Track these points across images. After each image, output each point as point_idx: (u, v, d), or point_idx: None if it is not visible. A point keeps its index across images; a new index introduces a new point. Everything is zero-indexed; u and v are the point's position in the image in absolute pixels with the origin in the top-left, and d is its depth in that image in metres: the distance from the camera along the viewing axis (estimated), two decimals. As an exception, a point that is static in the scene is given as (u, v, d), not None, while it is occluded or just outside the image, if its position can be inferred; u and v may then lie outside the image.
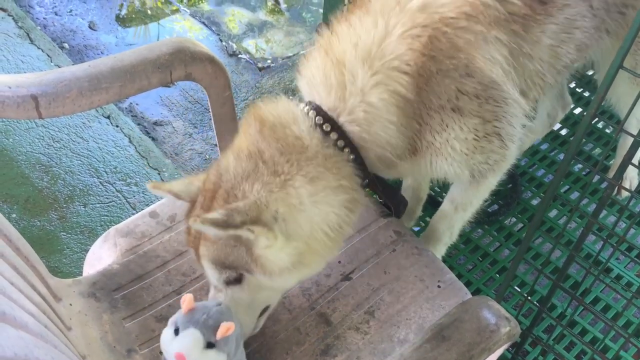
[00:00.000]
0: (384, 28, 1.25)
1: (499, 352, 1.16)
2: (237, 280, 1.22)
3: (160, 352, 1.18)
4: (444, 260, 1.81)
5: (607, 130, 2.30)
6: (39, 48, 2.83)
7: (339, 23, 1.32)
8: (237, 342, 1.15)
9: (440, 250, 1.76)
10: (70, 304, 1.29)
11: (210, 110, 1.55)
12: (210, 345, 1.11)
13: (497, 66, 1.30)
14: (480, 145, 1.37)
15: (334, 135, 1.25)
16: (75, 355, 1.09)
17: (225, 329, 1.09)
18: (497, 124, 1.35)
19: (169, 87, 2.89)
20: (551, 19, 1.35)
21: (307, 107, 1.28)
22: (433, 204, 2.02)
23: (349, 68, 1.25)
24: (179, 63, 1.39)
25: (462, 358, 0.95)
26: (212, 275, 1.24)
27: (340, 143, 1.26)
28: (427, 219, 2.01)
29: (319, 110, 1.27)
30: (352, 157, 1.27)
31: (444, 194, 2.04)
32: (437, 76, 1.25)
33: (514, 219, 2.04)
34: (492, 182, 1.53)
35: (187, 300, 1.15)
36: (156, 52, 1.37)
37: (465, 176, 1.46)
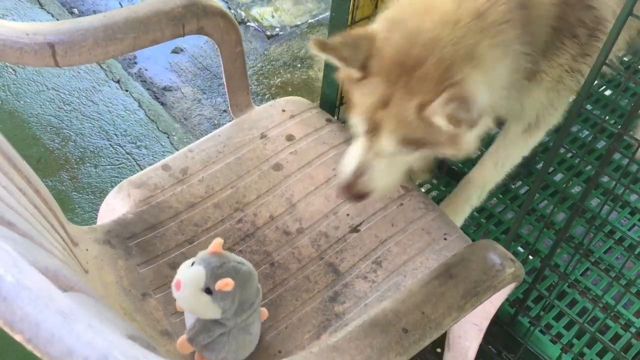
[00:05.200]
0: None
1: (503, 295, 1.20)
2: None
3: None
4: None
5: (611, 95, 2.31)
6: (48, 13, 2.84)
7: None
8: (241, 306, 1.16)
9: (465, 211, 1.79)
10: (87, 249, 1.33)
11: (222, 65, 1.57)
12: (208, 291, 1.12)
13: (610, 3, 1.29)
14: (567, 80, 1.38)
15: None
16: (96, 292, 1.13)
17: (224, 283, 1.10)
18: (589, 61, 1.34)
19: (177, 53, 2.91)
20: None
21: None
22: (459, 176, 2.04)
23: None
24: (192, 16, 1.41)
25: (469, 294, 0.99)
26: (387, 146, 1.19)
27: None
28: (442, 187, 2.04)
29: None
30: None
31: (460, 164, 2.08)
32: None
33: (519, 182, 2.07)
34: (539, 136, 1.57)
35: (215, 242, 1.17)
36: (170, 4, 1.39)
37: (529, 119, 1.49)
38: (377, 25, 1.18)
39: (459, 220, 1.82)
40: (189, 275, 1.13)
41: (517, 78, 1.23)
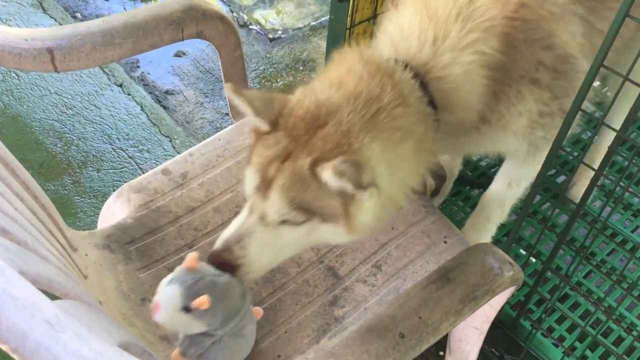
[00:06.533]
0: None
1: (503, 299, 1.19)
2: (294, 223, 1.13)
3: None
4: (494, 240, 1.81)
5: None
6: (51, 17, 2.85)
7: None
8: (227, 317, 1.12)
9: (490, 230, 1.75)
10: (86, 254, 1.33)
11: (221, 69, 1.57)
12: (187, 309, 1.08)
13: (574, 41, 1.28)
14: (543, 122, 1.36)
15: (419, 93, 1.20)
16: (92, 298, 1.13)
17: (200, 302, 1.06)
18: (565, 100, 1.33)
19: (180, 57, 2.91)
20: None
21: (397, 64, 1.22)
22: (465, 182, 2.04)
23: (441, 24, 1.22)
24: (191, 20, 1.41)
25: (466, 299, 0.98)
26: (275, 209, 1.11)
27: (424, 101, 1.21)
28: (460, 202, 2.04)
29: (406, 67, 1.21)
30: (435, 121, 1.23)
31: (469, 172, 2.07)
32: (522, 45, 1.24)
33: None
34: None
35: (189, 257, 1.13)
36: (168, 9, 1.39)
37: (523, 150, 1.45)
38: (295, 95, 1.20)
39: (486, 239, 1.77)
40: (165, 296, 1.09)
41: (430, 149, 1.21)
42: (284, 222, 1.12)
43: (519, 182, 1.61)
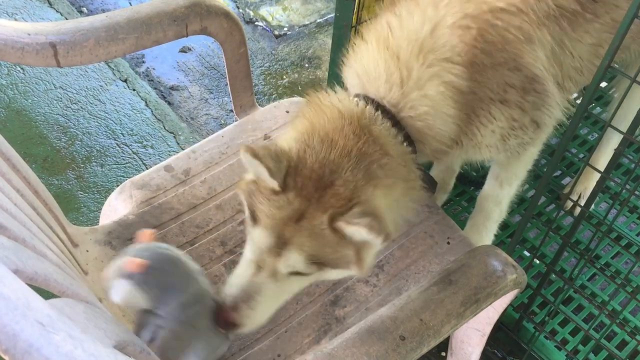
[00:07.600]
0: (434, 19, 1.25)
1: (505, 301, 1.18)
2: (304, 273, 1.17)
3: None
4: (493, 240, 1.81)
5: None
6: (57, 11, 2.85)
7: (389, 14, 1.31)
8: (163, 292, 1.09)
9: (491, 229, 1.76)
10: (87, 250, 1.32)
11: (225, 66, 1.56)
12: (129, 276, 1.06)
13: (540, 62, 1.29)
14: (515, 134, 1.38)
15: (395, 131, 1.25)
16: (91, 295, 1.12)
17: (130, 261, 1.05)
18: (536, 113, 1.35)
19: (185, 52, 2.91)
20: (597, 19, 1.33)
21: (369, 105, 1.26)
22: (469, 182, 2.03)
23: (404, 62, 1.25)
24: (195, 16, 1.40)
25: (468, 301, 0.97)
26: (289, 263, 1.14)
27: (400, 138, 1.26)
28: (464, 203, 2.04)
29: (378, 107, 1.26)
30: (413, 155, 1.29)
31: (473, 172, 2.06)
32: (488, 69, 1.25)
33: (526, 186, 2.05)
34: (533, 152, 1.54)
35: (141, 233, 1.13)
36: (172, 4, 1.38)
37: (500, 158, 1.48)
38: (292, 139, 1.23)
39: (488, 239, 1.78)
40: (112, 267, 1.09)
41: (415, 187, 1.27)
42: (292, 273, 1.15)
43: (509, 181, 1.63)
